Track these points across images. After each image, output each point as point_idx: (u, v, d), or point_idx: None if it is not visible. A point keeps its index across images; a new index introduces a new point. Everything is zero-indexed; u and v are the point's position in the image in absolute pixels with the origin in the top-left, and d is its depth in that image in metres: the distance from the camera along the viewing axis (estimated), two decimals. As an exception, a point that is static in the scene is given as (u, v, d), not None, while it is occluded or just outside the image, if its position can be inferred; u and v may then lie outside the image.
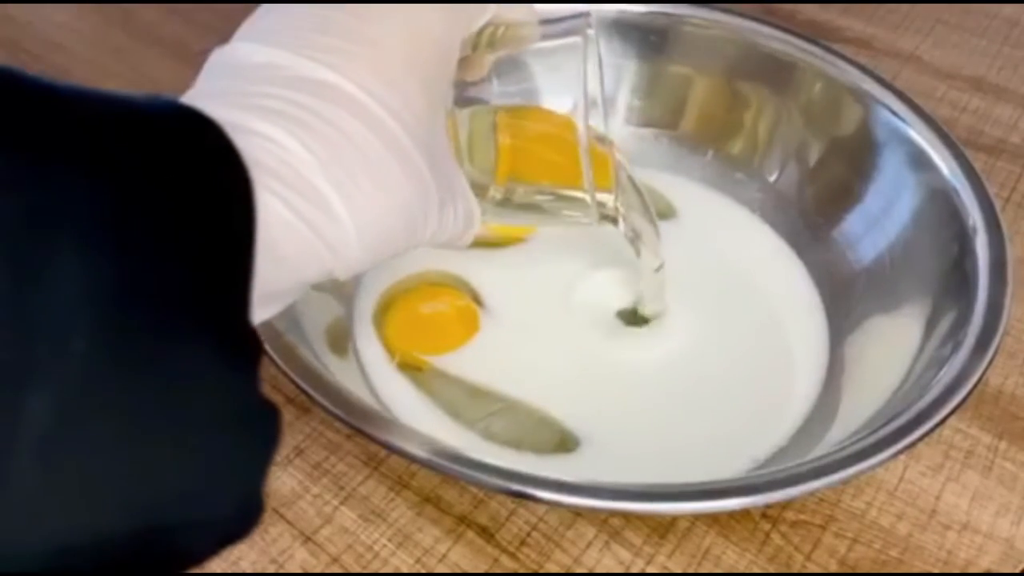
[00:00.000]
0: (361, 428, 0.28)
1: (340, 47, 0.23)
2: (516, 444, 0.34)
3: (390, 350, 0.37)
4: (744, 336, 0.39)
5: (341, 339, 0.37)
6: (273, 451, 0.21)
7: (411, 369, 0.37)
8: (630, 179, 0.33)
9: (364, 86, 0.23)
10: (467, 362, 0.37)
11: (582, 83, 0.27)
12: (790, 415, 0.35)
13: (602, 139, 0.31)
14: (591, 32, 0.28)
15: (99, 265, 0.16)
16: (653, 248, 0.35)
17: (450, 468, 0.27)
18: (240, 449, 0.20)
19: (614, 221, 0.33)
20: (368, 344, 0.38)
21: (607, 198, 0.31)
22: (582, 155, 0.28)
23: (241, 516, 0.20)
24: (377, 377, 0.36)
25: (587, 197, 0.29)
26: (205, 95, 0.22)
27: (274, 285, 0.22)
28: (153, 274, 0.17)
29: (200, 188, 0.19)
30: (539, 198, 0.30)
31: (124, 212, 0.17)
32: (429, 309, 0.39)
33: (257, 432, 0.20)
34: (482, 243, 0.41)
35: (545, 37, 0.28)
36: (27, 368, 0.15)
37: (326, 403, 0.29)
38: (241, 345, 0.20)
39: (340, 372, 0.33)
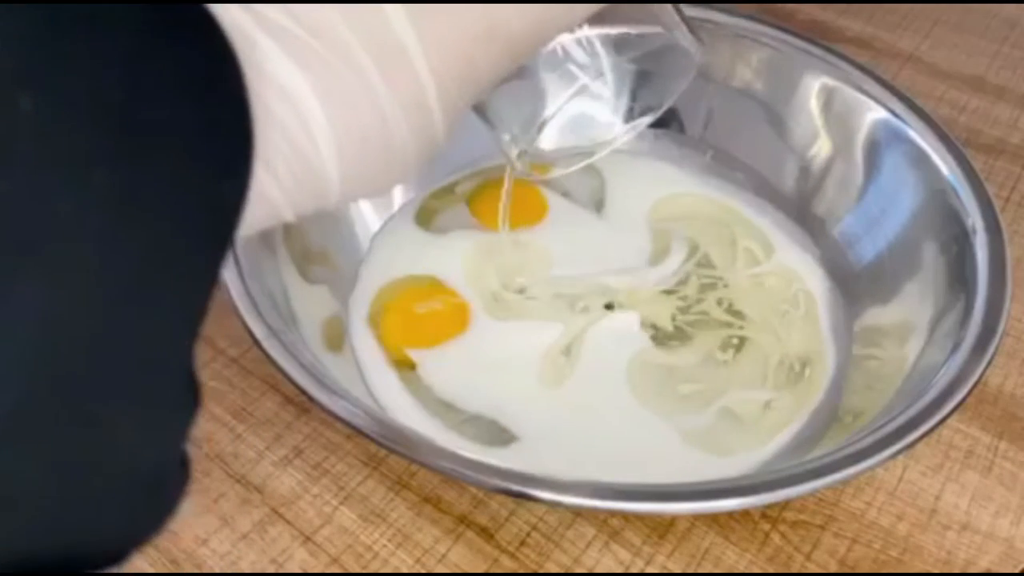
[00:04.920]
0: (362, 429, 0.28)
1: (445, 7, 0.18)
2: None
3: (384, 345, 0.37)
4: (741, 331, 0.38)
5: (336, 335, 0.37)
6: (174, 510, 0.17)
7: (403, 367, 0.37)
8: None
9: (441, 80, 0.18)
10: (438, 371, 0.37)
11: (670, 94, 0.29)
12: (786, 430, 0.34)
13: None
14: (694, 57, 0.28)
15: (58, 308, 0.13)
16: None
17: (450, 468, 0.27)
18: (144, 509, 0.17)
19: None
20: (364, 341, 0.37)
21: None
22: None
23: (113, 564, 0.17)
24: (372, 374, 0.36)
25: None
26: None
27: None
28: (116, 311, 0.14)
29: (193, 188, 0.15)
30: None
31: (110, 223, 0.14)
32: (424, 308, 0.39)
33: (167, 491, 0.17)
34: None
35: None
36: None
37: (327, 404, 0.28)
38: (185, 394, 0.17)
39: (335, 368, 0.32)
